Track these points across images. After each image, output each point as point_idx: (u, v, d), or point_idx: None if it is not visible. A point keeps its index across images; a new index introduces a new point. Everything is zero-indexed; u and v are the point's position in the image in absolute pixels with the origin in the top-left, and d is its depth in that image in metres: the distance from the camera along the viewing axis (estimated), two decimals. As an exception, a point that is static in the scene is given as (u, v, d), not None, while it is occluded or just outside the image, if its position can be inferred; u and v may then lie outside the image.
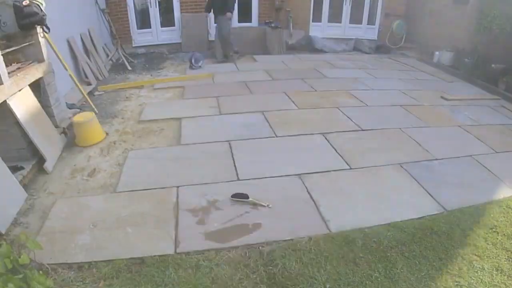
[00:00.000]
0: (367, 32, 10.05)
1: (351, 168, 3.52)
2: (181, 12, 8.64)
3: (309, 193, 3.09)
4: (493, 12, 6.79)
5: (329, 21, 9.80)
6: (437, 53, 8.02)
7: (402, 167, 3.56)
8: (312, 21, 9.63)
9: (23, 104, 3.41)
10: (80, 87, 4.86)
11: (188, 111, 4.88)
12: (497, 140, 4.26)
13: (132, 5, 8.40)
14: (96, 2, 7.42)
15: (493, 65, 6.46)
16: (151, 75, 6.76)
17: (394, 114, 4.96)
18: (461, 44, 7.84)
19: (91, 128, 3.99)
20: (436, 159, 3.75)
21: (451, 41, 8.01)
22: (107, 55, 7.49)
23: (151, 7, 8.61)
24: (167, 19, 8.90)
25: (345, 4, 9.63)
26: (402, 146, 4.02)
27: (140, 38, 8.72)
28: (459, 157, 3.82)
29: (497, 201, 3.07)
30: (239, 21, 9.28)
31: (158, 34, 8.76)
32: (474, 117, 4.98)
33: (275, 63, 7.68)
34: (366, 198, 3.05)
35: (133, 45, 8.64)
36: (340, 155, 3.75)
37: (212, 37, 8.89)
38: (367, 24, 10.01)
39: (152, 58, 8.08)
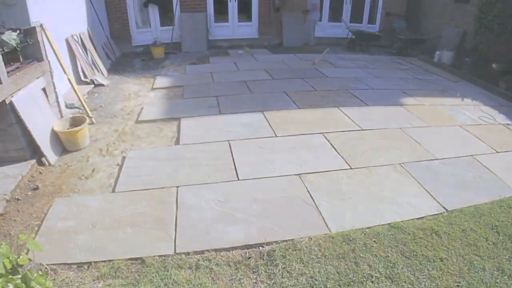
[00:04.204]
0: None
1: (351, 168, 3.51)
2: (181, 12, 8.62)
3: (309, 193, 3.08)
4: (494, 11, 6.78)
5: (329, 20, 9.80)
6: (437, 52, 7.99)
7: (402, 167, 3.55)
8: (313, 20, 9.62)
9: (27, 101, 3.41)
10: (77, 90, 4.72)
11: (187, 110, 4.87)
12: (498, 140, 4.25)
13: (132, 4, 8.37)
14: (91, 2, 7.25)
15: (494, 65, 6.44)
16: (151, 75, 6.73)
17: (394, 114, 4.95)
18: (461, 43, 7.83)
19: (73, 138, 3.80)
20: (437, 159, 3.74)
21: (452, 40, 8.00)
22: (107, 55, 7.47)
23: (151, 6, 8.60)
24: (167, 19, 8.87)
25: (346, 3, 9.62)
26: (403, 146, 4.01)
27: (140, 37, 8.69)
28: (459, 157, 3.81)
29: (498, 201, 3.07)
30: (239, 21, 9.27)
31: (157, 34, 8.73)
32: (474, 116, 4.97)
33: (275, 63, 7.66)
34: (367, 198, 3.04)
35: (133, 44, 8.62)
36: (340, 155, 3.74)
37: (212, 37, 8.86)
38: (368, 23, 9.99)
39: (152, 57, 8.05)
